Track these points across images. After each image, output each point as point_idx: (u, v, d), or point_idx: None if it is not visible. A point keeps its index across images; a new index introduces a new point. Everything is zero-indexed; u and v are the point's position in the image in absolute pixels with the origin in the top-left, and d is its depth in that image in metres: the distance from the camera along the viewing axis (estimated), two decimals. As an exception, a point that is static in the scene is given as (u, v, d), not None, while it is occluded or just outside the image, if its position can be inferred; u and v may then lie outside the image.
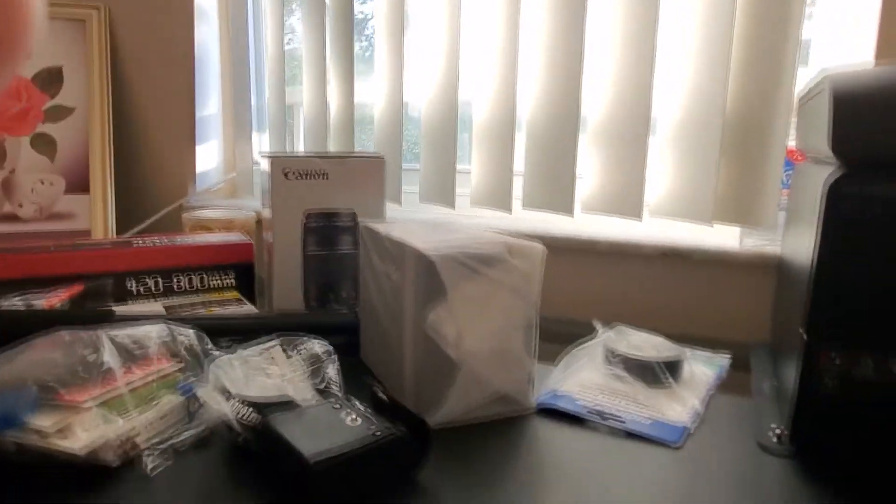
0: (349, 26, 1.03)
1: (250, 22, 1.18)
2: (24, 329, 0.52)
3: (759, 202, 0.76)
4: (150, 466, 0.45)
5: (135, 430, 0.46)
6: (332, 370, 0.52)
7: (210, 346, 0.54)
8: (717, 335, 0.80)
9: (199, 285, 0.78)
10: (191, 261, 0.78)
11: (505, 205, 0.93)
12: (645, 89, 0.80)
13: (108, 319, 0.58)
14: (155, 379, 0.49)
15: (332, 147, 1.08)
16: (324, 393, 0.49)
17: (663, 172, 0.83)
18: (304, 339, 0.54)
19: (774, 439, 0.50)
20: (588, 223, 0.93)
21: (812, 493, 0.44)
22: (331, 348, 0.54)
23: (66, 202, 1.09)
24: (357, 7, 1.15)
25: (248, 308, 0.74)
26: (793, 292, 0.54)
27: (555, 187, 0.89)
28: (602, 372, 0.61)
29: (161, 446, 0.46)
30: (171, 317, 0.59)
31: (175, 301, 0.75)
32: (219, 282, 0.79)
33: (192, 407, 0.50)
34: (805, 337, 0.44)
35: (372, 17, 1.07)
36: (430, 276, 0.50)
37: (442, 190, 0.98)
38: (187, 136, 1.16)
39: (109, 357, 0.47)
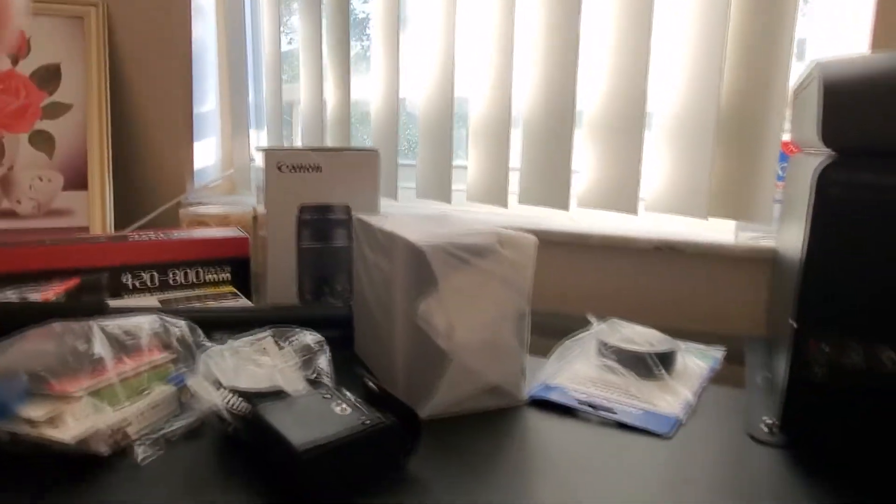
0: (345, 23, 1.03)
1: (247, 19, 1.18)
2: (17, 322, 0.53)
3: (754, 196, 0.76)
4: (140, 456, 0.45)
5: (126, 421, 0.46)
6: (323, 361, 0.52)
7: (202, 337, 0.54)
8: (713, 329, 0.80)
9: (194, 280, 0.78)
10: (186, 255, 0.78)
11: (501, 200, 0.93)
12: (640, 84, 0.80)
13: (102, 312, 0.58)
14: (146, 370, 0.49)
15: (330, 144, 1.08)
16: (315, 384, 0.50)
17: (658, 167, 0.83)
18: (297, 330, 0.54)
19: (766, 430, 0.50)
20: (584, 218, 0.93)
21: (801, 482, 0.44)
22: (322, 339, 0.54)
23: (64, 199, 1.09)
24: (359, 6, 1.16)
25: (243, 302, 0.75)
26: (786, 284, 0.54)
27: (550, 182, 0.89)
28: (595, 364, 0.61)
29: (152, 436, 0.47)
30: (164, 309, 0.59)
31: (170, 295, 0.76)
32: (214, 276, 0.79)
33: (183, 398, 0.50)
34: (794, 325, 0.44)
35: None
36: (420, 266, 0.50)
37: (438, 185, 0.98)
38: (185, 133, 1.16)
39: (101, 347, 0.47)
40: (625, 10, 0.81)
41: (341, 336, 0.66)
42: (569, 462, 0.46)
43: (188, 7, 1.13)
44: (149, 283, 0.76)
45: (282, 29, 1.11)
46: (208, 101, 1.20)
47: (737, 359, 0.67)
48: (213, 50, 1.21)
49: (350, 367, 0.58)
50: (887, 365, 0.42)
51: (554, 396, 0.55)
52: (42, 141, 1.08)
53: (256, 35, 1.20)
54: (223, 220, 0.92)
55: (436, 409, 0.52)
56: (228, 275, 0.80)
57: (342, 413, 0.44)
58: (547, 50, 0.87)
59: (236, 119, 1.20)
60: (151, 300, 0.73)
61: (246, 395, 0.46)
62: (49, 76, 1.09)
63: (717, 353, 0.66)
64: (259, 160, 0.76)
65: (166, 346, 0.52)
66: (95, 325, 0.49)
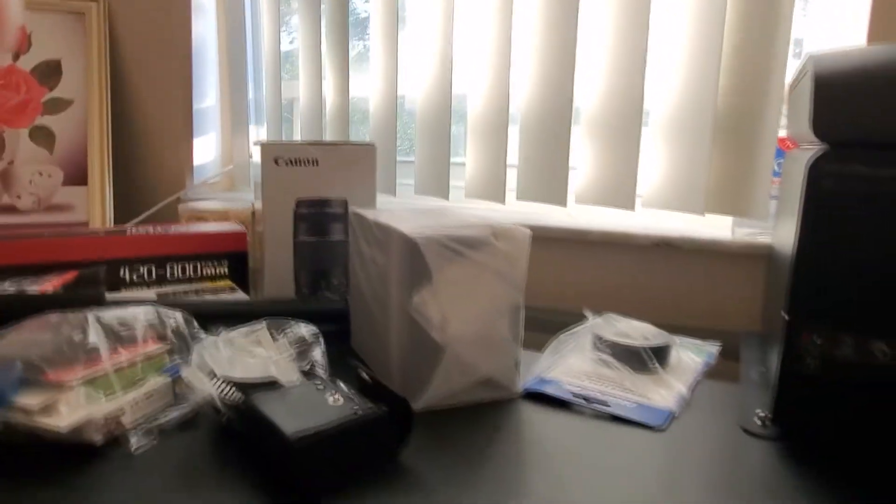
0: (344, 21, 1.03)
1: (247, 16, 1.19)
2: (14, 313, 0.53)
3: (751, 192, 0.76)
4: (134, 445, 0.45)
5: (120, 410, 0.46)
6: (317, 353, 0.52)
7: (198, 329, 0.54)
8: (710, 325, 0.81)
9: (192, 274, 0.79)
10: (184, 249, 0.78)
11: (499, 196, 0.93)
12: (637, 81, 0.80)
13: (99, 304, 0.59)
14: (141, 360, 0.50)
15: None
16: (309, 375, 0.50)
17: (656, 163, 0.83)
18: (292, 322, 0.54)
19: (759, 423, 0.50)
20: (581, 214, 0.93)
21: (793, 474, 0.44)
22: (317, 331, 0.54)
23: (65, 194, 1.09)
24: (361, 6, 1.16)
25: (240, 296, 0.75)
26: (781, 279, 0.54)
27: (548, 179, 0.89)
28: (589, 358, 0.62)
29: (146, 426, 0.47)
30: (159, 301, 0.59)
31: (168, 289, 0.76)
32: (212, 270, 0.80)
33: (178, 388, 0.51)
34: (786, 317, 0.44)
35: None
36: (414, 258, 0.50)
37: (436, 182, 0.98)
38: (185, 130, 1.16)
39: (95, 337, 0.48)
40: (622, 7, 0.81)
41: (338, 330, 0.67)
42: (562, 454, 0.46)
43: (188, 4, 1.13)
44: (146, 277, 0.76)
45: (283, 28, 1.11)
46: (208, 97, 1.21)
47: (732, 354, 0.67)
48: (214, 47, 1.21)
49: (345, 360, 0.58)
50: (879, 357, 0.43)
51: (548, 389, 0.56)
52: (42, 136, 1.09)
53: (256, 32, 1.20)
54: (222, 216, 0.92)
55: (430, 401, 0.52)
56: (226, 269, 0.80)
57: (335, 403, 0.44)
58: (545, 47, 0.87)
59: (236, 116, 1.20)
60: (149, 294, 0.73)
61: (240, 386, 0.46)
62: (50, 72, 1.09)
63: (713, 348, 0.66)
64: (256, 155, 0.76)
65: (161, 337, 0.52)
66: (91, 316, 0.49)
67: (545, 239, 0.89)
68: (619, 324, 0.64)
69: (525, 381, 0.57)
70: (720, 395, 0.57)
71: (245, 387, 0.46)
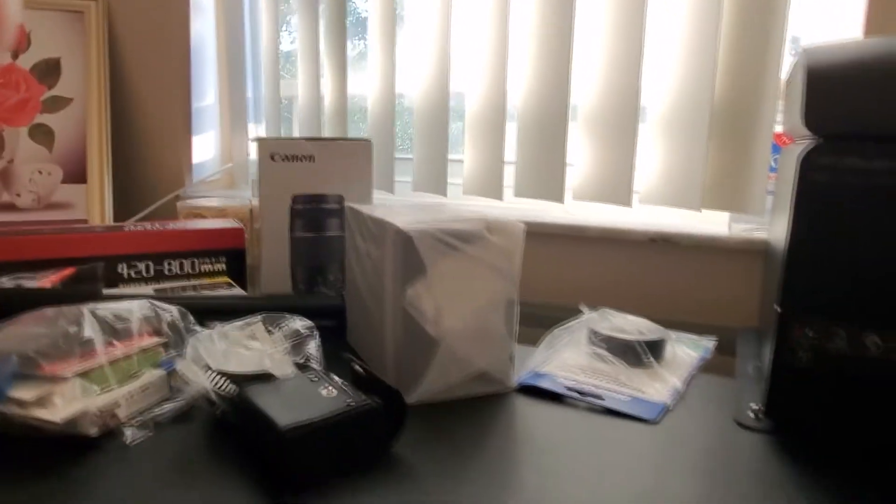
0: (342, 19, 1.03)
1: (246, 14, 1.19)
2: (10, 307, 0.53)
3: (748, 187, 0.76)
4: (129, 438, 0.45)
5: (115, 403, 0.46)
6: (312, 346, 0.52)
7: (194, 323, 0.54)
8: (706, 320, 0.81)
9: (189, 270, 0.79)
10: (182, 246, 0.79)
11: (496, 193, 0.93)
12: (634, 78, 0.80)
13: (96, 300, 0.59)
14: (136, 353, 0.50)
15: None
16: (303, 368, 0.50)
17: (653, 159, 0.83)
18: (287, 317, 0.55)
19: (752, 416, 0.50)
20: (579, 211, 0.93)
21: (786, 467, 0.44)
22: (312, 325, 0.54)
23: (64, 192, 1.10)
24: (362, 5, 1.16)
25: (237, 292, 0.75)
26: (776, 273, 0.54)
27: (546, 176, 0.89)
28: (584, 352, 0.62)
29: (141, 418, 0.47)
30: (156, 296, 0.59)
31: (166, 285, 0.76)
32: (210, 267, 0.80)
33: (174, 382, 0.51)
34: (779, 310, 0.44)
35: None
36: (408, 252, 0.50)
37: (434, 179, 0.99)
38: (184, 127, 1.17)
39: (90, 330, 0.48)
40: (618, 4, 0.81)
41: (334, 326, 0.67)
42: (556, 447, 0.47)
43: (187, 3, 1.13)
44: (144, 273, 0.77)
45: (284, 28, 1.12)
46: (207, 95, 1.21)
47: (729, 349, 0.67)
48: (213, 45, 1.21)
49: (341, 355, 0.58)
50: (872, 350, 0.43)
51: (543, 383, 0.56)
52: (42, 134, 1.09)
53: (255, 30, 1.21)
54: (220, 214, 0.93)
55: (425, 394, 0.52)
56: (224, 265, 0.80)
57: (328, 395, 0.44)
58: (542, 45, 0.87)
59: (235, 114, 1.20)
60: (146, 290, 0.73)
61: (234, 378, 0.47)
62: (49, 70, 1.09)
63: (709, 343, 0.67)
64: (253, 152, 0.76)
65: (157, 331, 0.53)
66: (86, 309, 0.50)
67: (542, 235, 0.89)
68: (615, 318, 0.64)
69: (520, 375, 0.57)
70: (715, 390, 0.57)
71: (239, 379, 0.46)
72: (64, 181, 1.10)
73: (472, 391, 0.54)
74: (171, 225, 0.82)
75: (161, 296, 0.63)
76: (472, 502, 0.39)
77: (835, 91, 0.41)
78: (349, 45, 1.06)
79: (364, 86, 1.07)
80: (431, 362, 0.52)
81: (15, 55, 1.07)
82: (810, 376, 0.44)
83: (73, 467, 0.42)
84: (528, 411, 0.52)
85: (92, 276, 0.74)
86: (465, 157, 0.97)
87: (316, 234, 0.75)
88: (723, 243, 0.79)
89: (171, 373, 0.51)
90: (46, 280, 0.69)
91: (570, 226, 0.87)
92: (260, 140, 0.73)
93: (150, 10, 1.15)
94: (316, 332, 0.54)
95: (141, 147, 1.20)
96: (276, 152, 0.73)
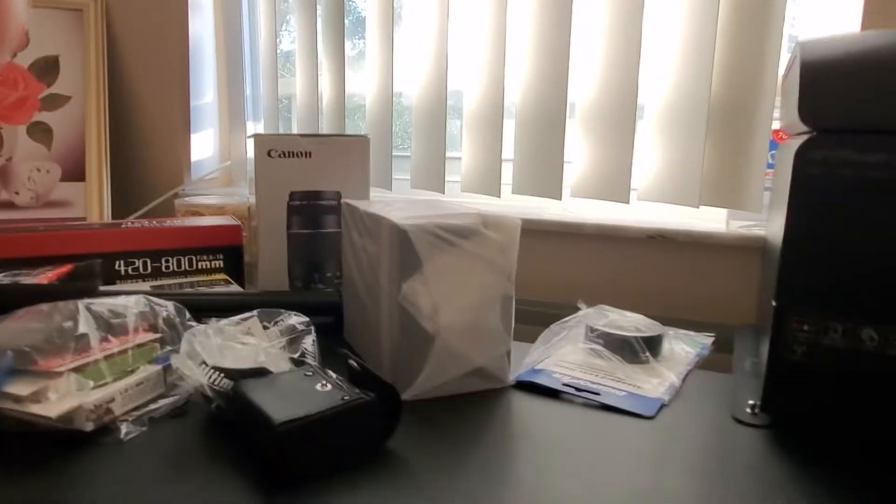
0: (340, 17, 1.03)
1: (245, 12, 1.19)
2: (5, 303, 0.53)
3: (745, 184, 0.76)
4: (124, 433, 0.45)
5: (110, 398, 0.46)
6: (308, 342, 0.52)
7: (189, 319, 0.54)
8: (704, 317, 0.80)
9: (187, 267, 0.79)
10: (179, 243, 0.79)
11: (494, 190, 0.93)
12: (632, 75, 0.80)
13: (92, 296, 0.59)
14: (132, 348, 0.50)
15: (324, 135, 1.09)
16: (299, 363, 0.50)
17: (650, 156, 0.83)
18: (283, 312, 0.54)
19: (749, 412, 0.50)
20: (577, 208, 0.93)
21: (782, 461, 0.44)
22: (308, 321, 0.54)
23: (63, 190, 1.10)
24: (361, 4, 1.16)
25: (234, 289, 0.75)
26: (773, 269, 0.54)
27: (544, 173, 0.89)
28: (581, 348, 0.62)
29: (136, 414, 0.47)
30: (152, 292, 0.59)
31: (163, 282, 0.76)
32: (207, 264, 0.80)
33: (169, 377, 0.51)
34: (775, 304, 0.44)
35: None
36: (404, 247, 0.50)
37: (432, 176, 0.98)
38: (182, 125, 1.17)
39: (85, 325, 0.48)
40: (616, 1, 0.81)
41: (331, 323, 0.67)
42: (552, 443, 0.46)
43: (186, 1, 1.13)
44: (141, 270, 0.77)
45: (284, 27, 1.12)
46: (206, 93, 1.21)
47: (726, 347, 0.67)
48: (211, 43, 1.21)
49: (337, 351, 0.58)
50: (867, 344, 0.42)
51: (539, 379, 0.56)
52: (40, 132, 1.09)
53: (254, 28, 1.21)
54: (218, 211, 0.93)
55: (421, 390, 0.52)
56: (221, 262, 0.80)
57: (323, 390, 0.44)
58: (539, 42, 0.87)
59: (233, 112, 1.20)
60: (144, 287, 0.73)
61: (229, 373, 0.47)
62: (48, 68, 1.09)
63: (706, 339, 0.66)
64: (250, 150, 0.76)
65: (152, 327, 0.52)
66: (81, 305, 0.50)
67: (540, 232, 0.89)
68: (612, 315, 0.64)
69: (516, 371, 0.57)
70: (712, 386, 0.57)
71: (235, 375, 0.46)
72: (62, 179, 1.10)
73: (468, 387, 0.54)
74: (169, 222, 0.82)
75: (157, 291, 0.63)
76: (468, 498, 0.39)
77: (830, 84, 0.41)
78: (349, 44, 1.06)
79: (362, 84, 1.07)
80: (428, 358, 0.52)
81: (13, 53, 1.07)
82: (807, 371, 0.44)
83: (67, 463, 0.42)
84: (525, 407, 0.52)
85: (89, 272, 0.74)
86: (463, 155, 0.97)
87: (313, 230, 0.75)
88: (720, 240, 0.79)
89: (167, 368, 0.51)
90: (44, 277, 0.69)
91: (568, 223, 0.87)
92: (257, 136, 0.73)
93: (150, 9, 1.15)
94: (312, 328, 0.54)
95: (139, 145, 1.20)
96: (274, 148, 0.73)
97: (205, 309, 0.60)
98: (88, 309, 0.49)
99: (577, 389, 0.54)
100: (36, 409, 0.43)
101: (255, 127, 1.22)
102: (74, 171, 1.10)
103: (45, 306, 0.51)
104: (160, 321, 0.53)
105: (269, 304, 0.59)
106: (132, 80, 1.19)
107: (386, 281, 0.53)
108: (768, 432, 0.48)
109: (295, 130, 1.21)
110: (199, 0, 1.17)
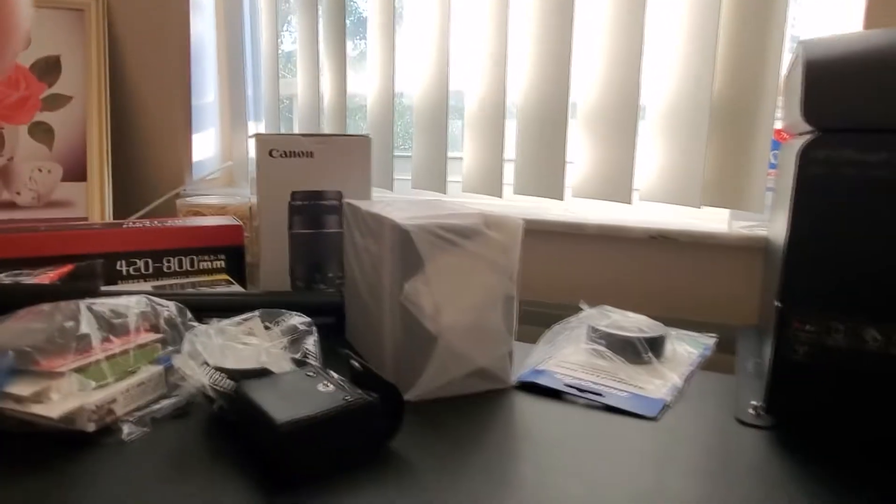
0: (342, 17, 1.03)
1: (246, 12, 1.19)
2: (7, 303, 0.53)
3: (748, 184, 0.75)
4: (126, 433, 0.45)
5: (112, 398, 0.46)
6: (310, 342, 0.52)
7: (191, 319, 0.54)
8: (707, 318, 0.80)
9: (188, 267, 0.79)
10: (181, 243, 0.78)
11: (496, 191, 0.93)
12: (634, 75, 0.80)
13: (93, 296, 0.59)
14: (133, 349, 0.50)
15: (326, 135, 1.09)
16: (301, 364, 0.50)
17: (652, 157, 0.83)
18: (285, 312, 0.54)
19: (752, 413, 0.50)
20: (579, 208, 0.93)
21: (785, 462, 0.43)
22: (310, 321, 0.54)
23: (64, 190, 1.10)
24: (363, 4, 1.16)
25: (236, 290, 0.75)
26: (776, 270, 0.54)
27: (545, 173, 0.89)
28: (584, 349, 0.61)
29: (138, 414, 0.47)
30: (153, 292, 0.59)
31: (164, 282, 0.76)
32: (208, 264, 0.80)
33: (171, 377, 0.51)
34: (778, 305, 0.44)
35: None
36: (406, 247, 0.50)
37: (434, 176, 0.98)
38: (184, 126, 1.17)
39: (87, 326, 0.48)
40: (618, 1, 0.81)
41: (333, 323, 0.67)
42: (554, 444, 0.46)
43: (187, 1, 1.13)
44: (143, 270, 0.77)
45: (285, 28, 1.12)
46: (207, 94, 1.21)
47: (729, 347, 0.67)
48: (213, 43, 1.21)
49: (339, 351, 0.58)
50: (870, 344, 0.42)
51: (542, 380, 0.55)
52: (42, 132, 1.09)
53: (255, 29, 1.21)
54: (220, 211, 0.92)
55: (424, 391, 0.52)
56: (223, 262, 0.80)
57: (325, 391, 0.44)
58: (541, 42, 0.87)
59: (235, 112, 1.20)
60: (145, 287, 0.73)
61: (231, 374, 0.46)
62: (49, 68, 1.09)
63: (709, 340, 0.66)
64: (251, 149, 0.76)
65: (154, 327, 0.52)
66: (83, 305, 0.50)
67: (542, 233, 0.89)
68: (614, 315, 0.64)
69: (519, 371, 0.57)
70: (715, 386, 0.57)
71: (236, 375, 0.46)
72: (64, 179, 1.10)
73: (470, 388, 0.54)
74: (171, 222, 0.82)
75: (158, 291, 0.63)
76: (470, 499, 0.39)
77: (833, 83, 0.41)
78: (350, 44, 1.06)
79: (364, 84, 1.07)
80: (430, 358, 0.52)
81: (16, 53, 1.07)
82: (810, 371, 0.44)
83: (69, 463, 0.42)
84: (527, 408, 0.52)
85: (91, 273, 0.74)
86: (464, 155, 0.97)
87: (314, 230, 0.75)
88: (723, 240, 0.79)
89: (169, 369, 0.51)
90: (45, 277, 0.69)
91: (570, 223, 0.87)
92: (258, 136, 0.73)
93: (151, 9, 1.15)
94: (314, 328, 0.54)
95: (141, 145, 1.20)
96: (275, 148, 0.73)
97: (206, 309, 0.60)
98: (90, 309, 0.49)
99: (580, 390, 0.54)
100: (38, 409, 0.43)
101: (257, 127, 1.22)
102: (76, 171, 1.10)
103: (46, 306, 0.51)
104: (162, 321, 0.53)
105: (270, 304, 0.59)
106: (133, 80, 1.19)
107: (388, 281, 0.52)
108: (771, 433, 0.48)
109: (296, 130, 1.21)
110: (201, 0, 1.17)
